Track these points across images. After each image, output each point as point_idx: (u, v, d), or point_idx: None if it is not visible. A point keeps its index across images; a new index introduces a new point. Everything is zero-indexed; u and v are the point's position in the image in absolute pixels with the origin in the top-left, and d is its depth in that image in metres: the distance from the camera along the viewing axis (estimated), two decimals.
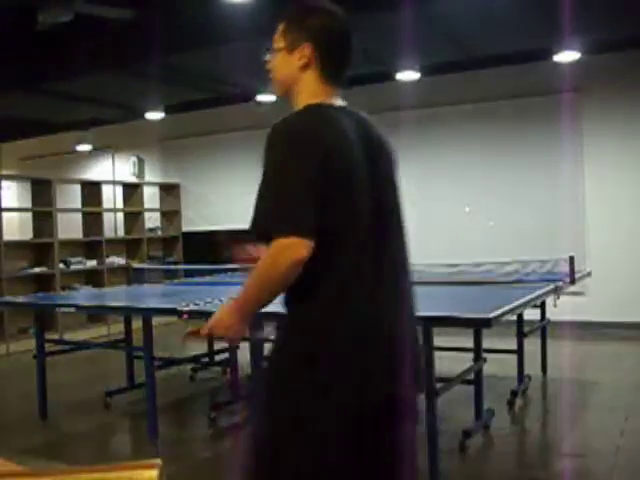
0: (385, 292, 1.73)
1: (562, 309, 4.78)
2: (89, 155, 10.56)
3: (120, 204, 9.50)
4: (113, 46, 6.37)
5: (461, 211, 8.05)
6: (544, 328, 5.34)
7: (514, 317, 4.51)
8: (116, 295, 5.84)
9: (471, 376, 4.07)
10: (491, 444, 4.01)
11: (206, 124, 9.54)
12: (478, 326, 3.82)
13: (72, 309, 4.86)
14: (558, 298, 4.41)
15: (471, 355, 4.27)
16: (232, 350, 5.00)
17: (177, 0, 5.90)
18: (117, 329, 6.84)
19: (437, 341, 3.27)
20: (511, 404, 4.55)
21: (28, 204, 8.42)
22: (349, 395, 1.62)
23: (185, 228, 10.00)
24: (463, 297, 4.28)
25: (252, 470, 1.69)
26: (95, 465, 0.97)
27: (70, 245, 8.45)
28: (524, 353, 4.94)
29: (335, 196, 1.63)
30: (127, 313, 5.13)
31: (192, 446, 4.14)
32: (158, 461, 0.95)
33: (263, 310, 1.76)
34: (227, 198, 9.57)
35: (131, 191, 9.50)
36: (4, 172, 10.29)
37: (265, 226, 1.63)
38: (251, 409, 1.74)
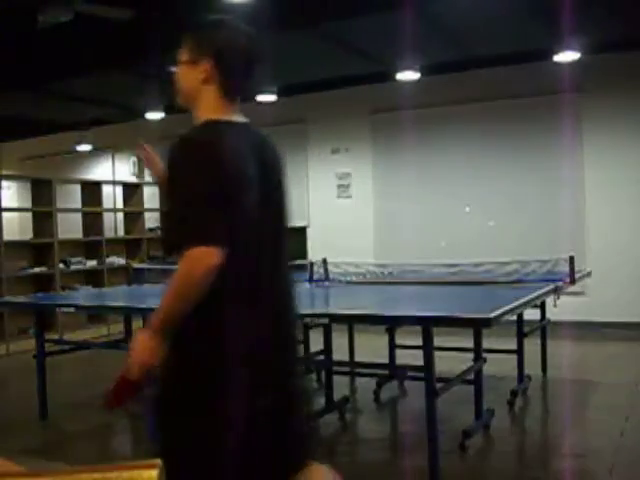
0: (277, 299, 1.86)
1: (562, 309, 4.77)
2: (89, 155, 10.55)
3: (120, 204, 9.50)
4: (113, 46, 6.37)
5: (461, 211, 8.05)
6: (544, 328, 5.34)
7: (514, 317, 4.51)
8: (116, 295, 5.84)
9: (471, 376, 4.07)
10: (491, 444, 4.01)
11: None
12: (478, 326, 3.82)
13: (72, 309, 4.85)
14: (558, 298, 4.41)
15: (471, 355, 4.27)
16: None
17: (177, 0, 5.90)
18: (117, 329, 6.84)
19: (437, 341, 3.27)
20: (511, 404, 4.55)
21: (28, 204, 8.42)
22: (242, 402, 1.72)
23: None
24: (463, 297, 4.28)
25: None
26: (95, 465, 0.97)
27: (70, 245, 8.44)
28: (524, 353, 4.93)
29: (231, 209, 1.71)
30: (127, 313, 5.13)
31: None
32: (158, 461, 0.95)
33: None
34: None
35: (131, 191, 9.49)
36: (4, 172, 10.28)
37: (177, 239, 1.73)
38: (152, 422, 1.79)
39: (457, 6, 5.65)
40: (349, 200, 8.79)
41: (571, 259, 4.65)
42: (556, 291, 4.30)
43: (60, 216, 8.21)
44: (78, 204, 8.86)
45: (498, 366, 4.95)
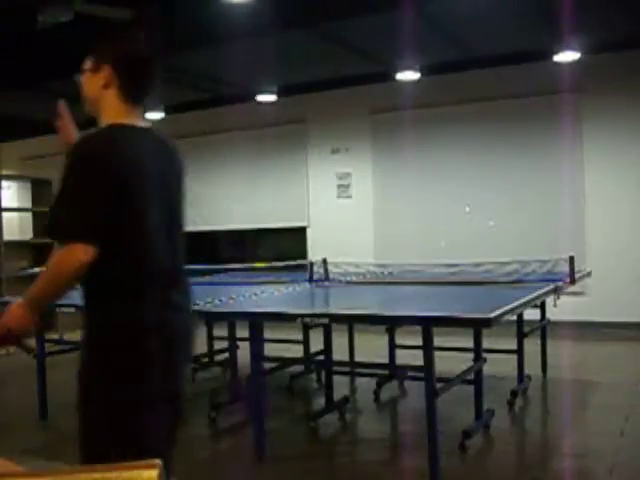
0: (174, 293, 2.02)
1: (562, 309, 4.78)
2: None
3: None
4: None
5: (461, 211, 8.05)
6: (544, 328, 5.34)
7: (514, 317, 4.51)
8: None
9: (471, 376, 4.07)
10: (491, 444, 4.01)
11: (206, 124, 9.54)
12: (478, 326, 3.82)
13: (72, 309, 4.85)
14: (558, 298, 4.41)
15: (471, 355, 4.27)
16: (231, 350, 5.01)
17: (177, 0, 5.90)
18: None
19: (437, 341, 3.27)
20: (511, 404, 4.54)
21: (28, 204, 8.42)
22: (153, 383, 1.92)
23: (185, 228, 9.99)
24: (463, 297, 4.28)
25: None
26: (95, 465, 0.97)
27: None
28: (524, 353, 4.93)
29: (128, 208, 1.88)
30: None
31: (192, 446, 4.14)
32: (158, 461, 0.95)
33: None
34: (227, 198, 9.57)
35: None
36: (4, 172, 10.27)
37: (57, 232, 1.92)
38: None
39: (457, 6, 5.65)
40: (349, 200, 8.79)
41: (571, 259, 4.65)
42: (556, 291, 4.31)
43: None
44: None
45: (498, 366, 4.95)
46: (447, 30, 6.32)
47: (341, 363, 4.93)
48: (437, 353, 3.28)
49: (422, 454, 3.29)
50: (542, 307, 5.14)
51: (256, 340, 3.78)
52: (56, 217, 1.94)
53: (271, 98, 8.01)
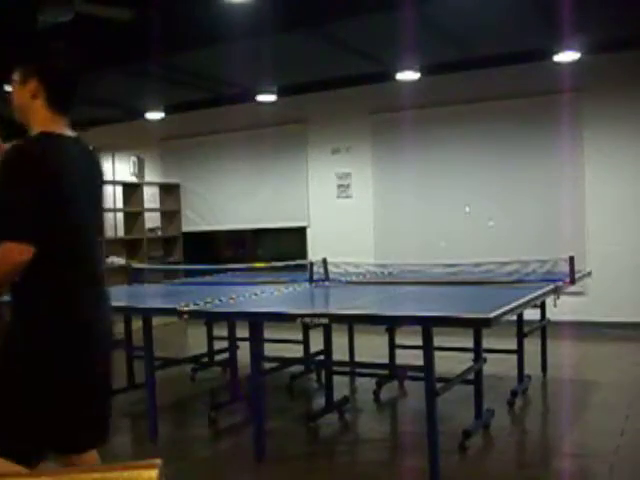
0: (96, 292, 2.21)
1: (562, 309, 4.78)
2: None
3: (120, 204, 9.50)
4: (113, 46, 6.37)
5: (461, 211, 8.05)
6: (544, 328, 5.34)
7: (514, 317, 4.51)
8: (116, 295, 5.82)
9: (471, 376, 4.08)
10: (491, 444, 4.01)
11: (206, 124, 9.54)
12: (478, 326, 3.82)
13: None
14: (558, 298, 4.41)
15: (471, 355, 4.28)
16: (231, 350, 5.01)
17: (177, 0, 5.90)
18: (117, 329, 6.83)
19: (437, 341, 3.27)
20: (511, 404, 4.55)
21: None
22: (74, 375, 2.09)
23: (185, 228, 10.00)
24: (463, 297, 4.28)
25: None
26: (95, 465, 0.97)
27: None
28: (524, 353, 4.94)
29: (57, 213, 2.04)
30: (127, 313, 5.13)
31: (192, 446, 4.14)
32: (158, 461, 0.95)
33: None
34: (227, 198, 9.58)
35: (131, 191, 9.49)
36: None
37: None
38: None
39: (457, 6, 5.65)
40: (349, 200, 8.79)
41: (571, 259, 4.65)
42: (556, 291, 4.31)
43: None
44: None
45: (498, 366, 4.96)
46: (447, 30, 6.31)
47: (341, 363, 4.93)
48: (437, 353, 3.28)
49: (422, 454, 3.29)
50: (542, 307, 5.14)
51: (256, 340, 3.78)
52: None
53: (271, 98, 8.01)
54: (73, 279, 2.11)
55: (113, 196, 9.52)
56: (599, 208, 7.39)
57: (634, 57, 7.06)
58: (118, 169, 10.58)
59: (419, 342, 3.26)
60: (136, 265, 7.95)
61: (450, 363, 4.18)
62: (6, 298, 2.38)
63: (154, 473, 0.92)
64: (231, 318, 4.63)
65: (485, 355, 4.31)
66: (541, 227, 7.59)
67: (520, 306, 3.57)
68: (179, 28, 6.10)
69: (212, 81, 7.95)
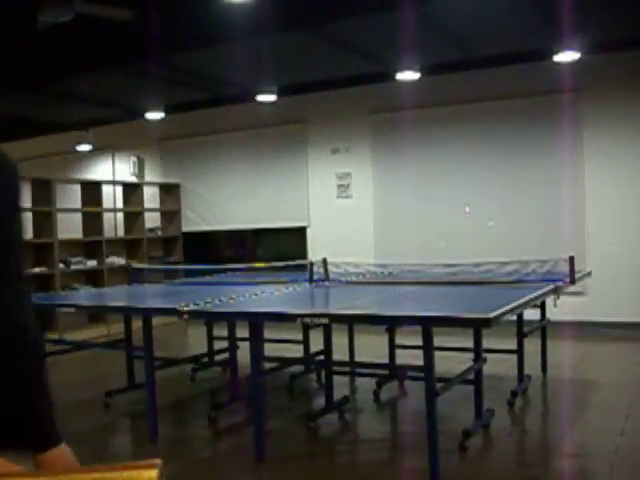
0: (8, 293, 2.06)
1: (562, 309, 4.78)
2: (89, 155, 10.56)
3: (120, 204, 9.50)
4: (113, 46, 6.37)
5: (461, 211, 8.05)
6: (544, 328, 5.34)
7: (514, 317, 4.51)
8: (116, 295, 5.84)
9: (471, 376, 4.07)
10: (491, 444, 4.01)
11: (206, 124, 9.54)
12: (478, 326, 3.82)
13: (72, 309, 4.85)
14: (558, 298, 4.41)
15: (471, 355, 4.28)
16: (231, 350, 5.01)
17: (177, 0, 5.90)
18: (117, 329, 6.83)
19: (437, 341, 3.27)
20: (511, 404, 4.55)
21: (28, 204, 8.42)
22: None
23: (185, 228, 10.00)
24: (463, 297, 4.28)
25: None
26: (95, 465, 0.97)
27: (70, 245, 8.45)
28: (524, 353, 4.94)
29: None
30: (127, 313, 5.13)
31: (192, 446, 4.14)
32: (158, 461, 0.95)
33: None
34: (227, 198, 9.58)
35: (131, 191, 9.50)
36: None
37: None
38: None
39: (457, 6, 5.65)
40: (349, 200, 8.79)
41: (571, 259, 4.65)
42: (556, 291, 4.30)
43: (60, 216, 8.21)
44: (78, 204, 8.86)
45: (498, 366, 4.96)
46: (447, 30, 6.31)
47: (341, 363, 4.93)
48: (437, 353, 3.28)
49: (422, 454, 3.29)
50: (542, 307, 5.14)
51: (256, 340, 3.78)
52: None
53: (271, 98, 8.01)
54: None
55: (113, 196, 9.52)
56: (599, 208, 7.39)
57: (634, 57, 7.06)
58: (118, 169, 10.58)
59: (419, 342, 3.26)
60: (136, 265, 7.95)
61: (450, 363, 4.18)
62: None
63: (154, 473, 0.92)
64: (231, 318, 4.63)
65: (485, 355, 4.31)
66: (541, 227, 7.59)
67: (520, 306, 3.57)
68: (179, 28, 6.10)
69: (212, 81, 7.95)
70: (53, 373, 5.11)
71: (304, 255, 8.44)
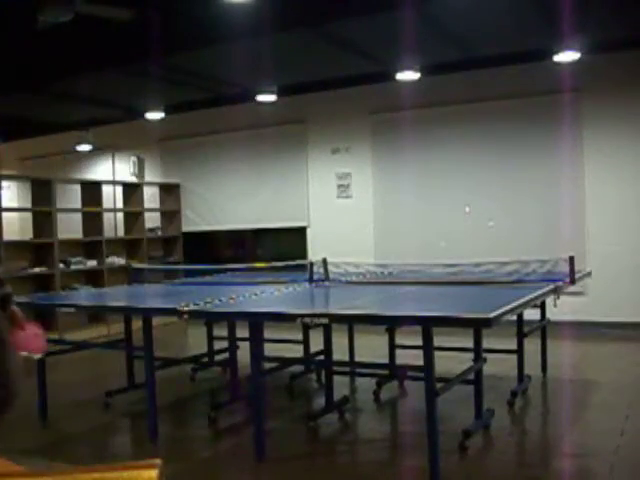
0: None
1: (562, 309, 4.78)
2: (89, 155, 10.56)
3: (120, 204, 9.50)
4: (113, 46, 6.37)
5: (461, 211, 8.05)
6: (544, 328, 5.34)
7: (514, 317, 4.51)
8: (116, 295, 5.84)
9: (471, 376, 4.07)
10: (491, 444, 4.01)
11: (206, 124, 9.54)
12: (478, 326, 3.82)
13: (72, 309, 4.85)
14: (558, 298, 4.41)
15: (471, 355, 4.28)
16: (231, 350, 5.01)
17: (177, 0, 5.90)
18: (117, 329, 6.84)
19: (437, 341, 3.27)
20: (511, 404, 4.55)
21: (28, 204, 8.42)
22: None
23: (185, 228, 10.00)
24: (463, 297, 4.28)
25: None
26: (95, 465, 0.97)
27: (70, 245, 8.44)
28: (524, 353, 4.94)
29: None
30: (127, 313, 5.13)
31: (192, 446, 4.14)
32: (158, 461, 0.95)
33: None
34: (227, 198, 9.57)
35: (131, 191, 9.50)
36: (4, 172, 10.29)
37: None
38: None
39: (457, 6, 5.65)
40: (349, 200, 8.79)
41: (571, 259, 4.65)
42: (556, 291, 4.30)
43: (60, 216, 8.21)
44: (78, 204, 8.86)
45: (498, 366, 4.96)
46: (447, 30, 6.31)
47: (341, 363, 4.93)
48: (437, 353, 3.28)
49: (422, 454, 3.29)
50: (542, 307, 5.14)
51: (256, 340, 3.78)
52: None
53: (271, 98, 8.00)
54: None
55: (113, 196, 9.52)
56: (599, 208, 7.39)
57: (634, 57, 7.06)
58: (118, 169, 10.58)
59: (419, 342, 3.26)
60: (136, 265, 7.95)
61: (450, 363, 4.18)
62: None
63: (154, 473, 0.92)
64: (231, 318, 4.63)
65: (485, 355, 4.31)
66: (541, 227, 7.59)
67: (520, 306, 3.57)
68: (179, 28, 6.10)
69: (212, 81, 7.94)
70: (53, 373, 5.13)
71: (304, 255, 8.44)
